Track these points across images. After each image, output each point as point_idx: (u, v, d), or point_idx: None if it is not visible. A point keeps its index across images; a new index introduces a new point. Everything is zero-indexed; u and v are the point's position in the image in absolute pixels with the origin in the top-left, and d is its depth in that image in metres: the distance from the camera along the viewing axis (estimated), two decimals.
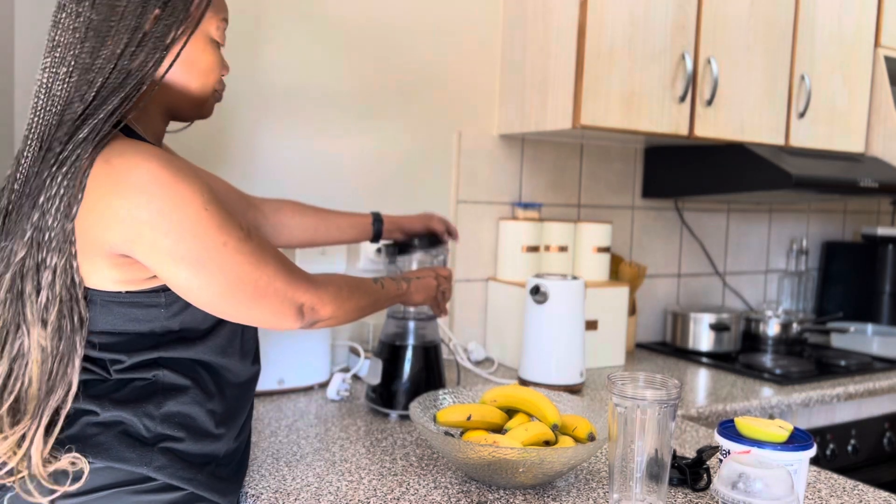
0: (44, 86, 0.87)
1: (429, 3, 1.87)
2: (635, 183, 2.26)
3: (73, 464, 0.85)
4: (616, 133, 1.81)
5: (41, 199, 0.83)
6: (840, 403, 1.88)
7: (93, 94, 0.85)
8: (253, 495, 1.04)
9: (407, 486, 1.08)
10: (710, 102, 1.87)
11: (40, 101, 0.87)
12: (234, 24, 1.58)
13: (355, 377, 1.66)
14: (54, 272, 0.83)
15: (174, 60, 0.92)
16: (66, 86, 0.86)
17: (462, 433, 1.16)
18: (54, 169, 0.83)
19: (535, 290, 1.63)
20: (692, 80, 1.84)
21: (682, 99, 1.82)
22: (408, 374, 1.41)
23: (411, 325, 1.44)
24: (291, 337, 1.52)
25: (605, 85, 1.72)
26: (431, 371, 1.44)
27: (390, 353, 1.43)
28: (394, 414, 1.41)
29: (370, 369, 1.45)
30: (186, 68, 0.95)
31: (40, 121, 0.86)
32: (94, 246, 0.84)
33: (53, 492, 0.85)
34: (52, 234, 0.83)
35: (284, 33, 1.69)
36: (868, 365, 2.06)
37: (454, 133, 1.93)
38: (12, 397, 0.84)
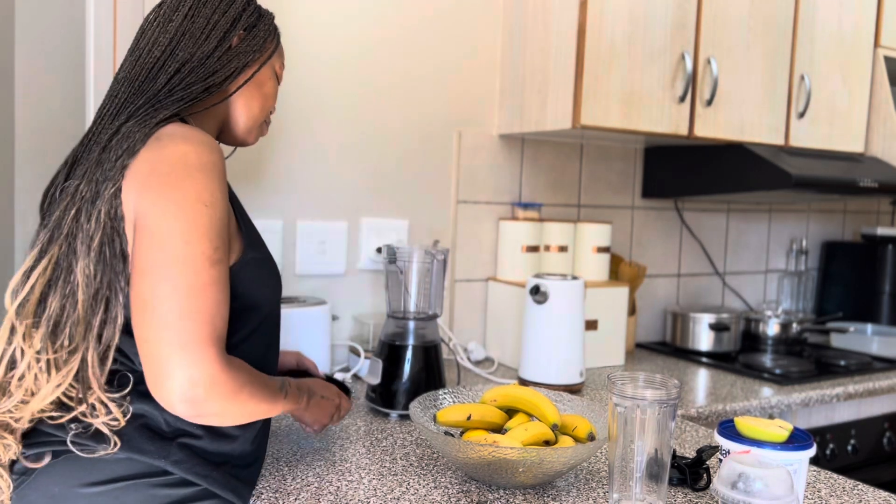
0: (124, 69, 0.99)
1: (429, 3, 1.87)
2: (635, 183, 2.26)
3: (111, 423, 0.88)
4: (616, 133, 1.81)
5: (111, 141, 0.91)
6: (840, 403, 1.88)
7: (168, 83, 0.96)
8: (253, 495, 1.04)
9: (407, 486, 1.08)
10: (709, 102, 1.87)
11: (121, 79, 0.98)
12: None
13: (355, 377, 1.66)
14: (103, 200, 0.88)
15: (248, 80, 1.04)
16: (146, 70, 0.97)
17: (462, 433, 1.17)
18: (124, 120, 0.93)
19: (535, 290, 1.63)
20: (692, 79, 1.84)
21: (682, 99, 1.82)
22: (408, 374, 1.41)
23: (411, 325, 1.44)
24: (291, 337, 1.52)
25: (604, 85, 1.72)
26: (431, 371, 1.44)
27: (390, 353, 1.43)
28: (394, 414, 1.41)
29: (370, 369, 1.45)
30: (252, 91, 1.06)
31: (120, 91, 0.97)
32: (128, 211, 0.89)
33: (101, 442, 0.88)
34: (109, 166, 0.89)
35: (283, 32, 1.69)
36: (868, 365, 2.06)
37: (454, 133, 1.93)
38: (66, 333, 0.88)
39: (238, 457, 0.98)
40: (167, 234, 0.85)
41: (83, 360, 0.87)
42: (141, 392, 0.91)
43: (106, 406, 0.88)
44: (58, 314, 0.88)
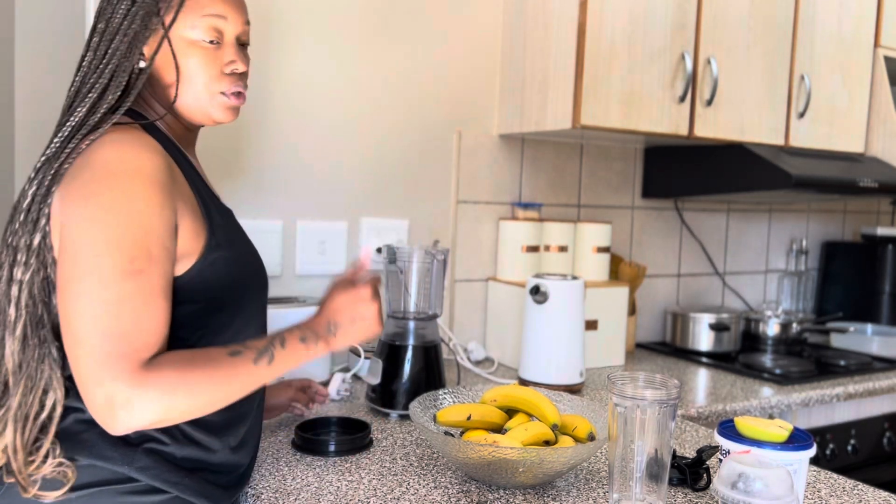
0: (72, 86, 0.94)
1: (429, 4, 1.87)
2: (635, 183, 2.26)
3: (58, 468, 0.86)
4: (616, 133, 1.81)
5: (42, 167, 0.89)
6: (840, 403, 1.88)
7: (84, 87, 0.91)
8: (253, 495, 1.04)
9: (407, 486, 1.08)
10: (709, 102, 1.87)
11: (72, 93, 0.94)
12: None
13: (355, 377, 1.66)
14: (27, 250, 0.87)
15: (151, 59, 0.93)
16: (73, 85, 0.94)
17: (462, 433, 1.16)
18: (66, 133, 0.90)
19: (535, 290, 1.63)
20: (692, 80, 1.84)
21: (682, 99, 1.82)
22: (408, 374, 1.41)
23: (411, 325, 1.44)
24: None
25: (604, 85, 1.72)
26: (431, 371, 1.44)
27: (390, 353, 1.43)
28: (394, 414, 1.41)
29: (370, 369, 1.45)
30: (168, 72, 0.95)
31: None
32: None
33: (52, 489, 0.86)
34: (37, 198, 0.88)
35: (284, 33, 1.69)
36: (868, 365, 2.06)
37: (454, 133, 1.93)
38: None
39: (218, 465, 0.95)
40: (80, 246, 0.82)
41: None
42: None
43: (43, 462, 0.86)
44: None
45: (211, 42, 0.96)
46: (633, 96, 1.76)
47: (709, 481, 1.12)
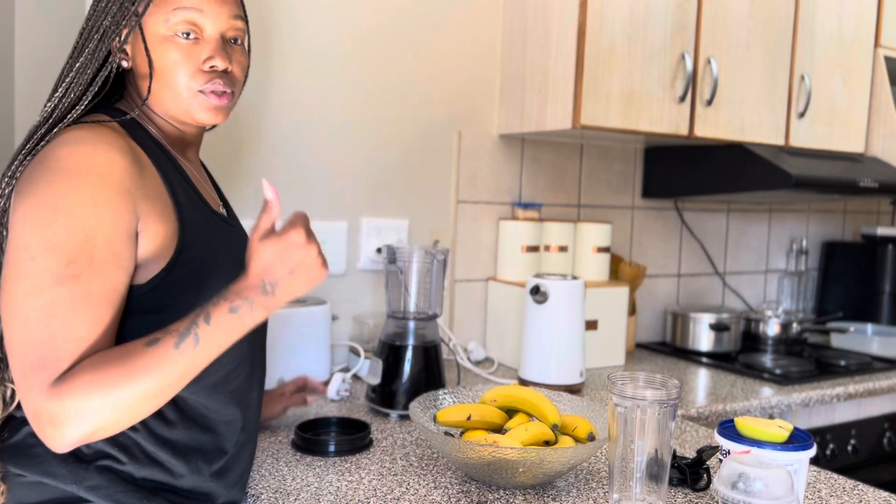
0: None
1: (429, 3, 1.87)
2: (635, 183, 2.26)
3: None
4: (616, 133, 1.81)
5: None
6: (840, 403, 1.88)
7: (59, 85, 0.90)
8: (253, 495, 1.04)
9: (407, 486, 1.08)
10: (709, 102, 1.87)
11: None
12: None
13: (355, 377, 1.66)
14: None
15: (114, 57, 0.90)
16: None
17: (462, 433, 1.16)
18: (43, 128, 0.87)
19: (535, 290, 1.63)
20: (692, 80, 1.84)
21: (682, 99, 1.82)
22: (408, 374, 1.41)
23: (411, 325, 1.44)
24: (291, 336, 1.52)
25: (604, 85, 1.72)
26: (431, 371, 1.44)
27: (390, 353, 1.43)
28: (394, 414, 1.41)
29: (370, 369, 1.45)
30: (142, 69, 0.91)
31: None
32: None
33: None
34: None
35: (284, 32, 1.69)
36: (868, 365, 2.06)
37: (454, 133, 1.93)
38: None
39: (187, 490, 0.89)
40: (17, 247, 0.77)
41: None
42: None
43: None
44: None
45: (187, 36, 0.90)
46: (633, 96, 1.76)
47: (709, 481, 1.12)
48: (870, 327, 2.41)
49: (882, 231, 2.55)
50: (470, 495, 1.06)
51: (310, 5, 1.71)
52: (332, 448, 1.19)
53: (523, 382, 1.65)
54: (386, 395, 1.41)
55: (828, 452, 1.85)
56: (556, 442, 1.12)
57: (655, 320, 2.34)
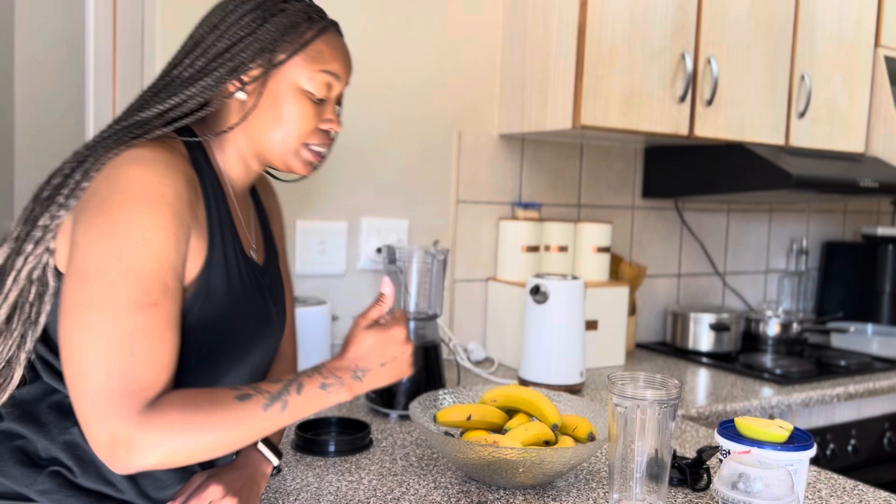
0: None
1: (429, 3, 1.87)
2: (635, 183, 2.26)
3: None
4: (616, 133, 1.81)
5: (73, 167, 0.86)
6: (840, 403, 1.88)
7: (162, 93, 0.89)
8: None
9: (407, 486, 1.08)
10: (710, 102, 1.87)
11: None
12: None
13: None
14: (33, 247, 0.84)
15: (240, 90, 0.90)
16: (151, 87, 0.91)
17: (462, 433, 1.16)
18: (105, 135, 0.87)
19: (535, 290, 1.63)
20: (692, 79, 1.84)
21: (682, 99, 1.82)
22: None
23: (411, 325, 1.44)
24: None
25: (605, 85, 1.72)
26: (431, 371, 1.44)
27: None
28: (394, 414, 1.41)
29: None
30: (263, 110, 0.91)
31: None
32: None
33: None
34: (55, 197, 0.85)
35: None
36: (868, 365, 2.06)
37: (454, 133, 1.93)
38: None
39: (131, 503, 0.88)
40: (92, 273, 0.77)
41: None
42: (27, 412, 0.86)
43: None
44: None
45: (318, 100, 0.94)
46: (634, 96, 1.76)
47: (709, 481, 1.12)
48: (870, 327, 2.41)
49: (882, 231, 2.55)
50: (470, 495, 1.06)
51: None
52: (331, 448, 1.19)
53: (523, 382, 1.65)
54: (386, 395, 1.41)
55: (828, 452, 1.85)
56: (556, 442, 1.12)
57: (655, 320, 2.34)
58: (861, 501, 1.09)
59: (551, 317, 1.63)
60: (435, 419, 1.17)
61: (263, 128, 0.92)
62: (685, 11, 1.82)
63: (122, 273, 0.77)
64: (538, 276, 1.67)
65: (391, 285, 0.95)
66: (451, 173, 1.94)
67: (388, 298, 0.94)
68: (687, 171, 2.13)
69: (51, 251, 0.83)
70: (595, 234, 1.98)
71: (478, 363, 1.90)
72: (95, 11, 1.89)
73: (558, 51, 1.76)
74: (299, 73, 0.91)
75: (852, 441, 1.90)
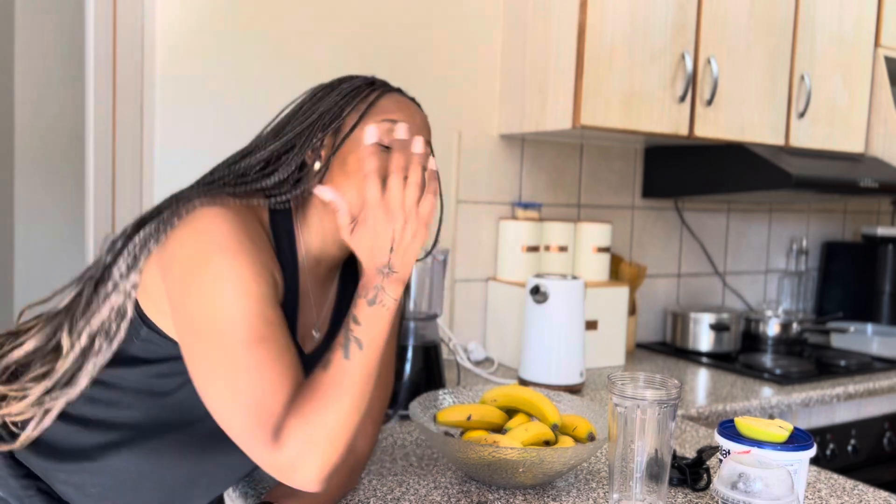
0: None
1: (429, 3, 1.87)
2: (635, 183, 2.26)
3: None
4: (616, 133, 1.81)
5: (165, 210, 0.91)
6: (840, 403, 1.88)
7: (255, 162, 0.94)
8: (253, 495, 1.04)
9: (407, 486, 1.08)
10: (710, 102, 1.87)
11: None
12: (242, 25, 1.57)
13: None
14: (120, 282, 0.89)
15: (317, 160, 0.93)
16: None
17: (462, 433, 1.16)
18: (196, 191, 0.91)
19: (535, 290, 1.63)
20: (692, 80, 1.84)
21: (682, 99, 1.82)
22: (408, 374, 1.41)
23: (411, 325, 1.44)
24: None
25: (605, 85, 1.72)
26: (431, 371, 1.44)
27: None
28: (394, 414, 1.41)
29: None
30: (334, 172, 0.93)
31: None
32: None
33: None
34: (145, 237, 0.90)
35: (283, 31, 1.69)
36: (868, 365, 2.06)
37: (454, 133, 1.93)
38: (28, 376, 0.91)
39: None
40: (198, 328, 0.82)
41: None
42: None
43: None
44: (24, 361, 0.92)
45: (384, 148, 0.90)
46: (634, 96, 1.76)
47: (709, 481, 1.12)
48: (870, 327, 2.41)
49: (882, 231, 2.55)
50: (470, 495, 1.06)
51: (310, 5, 1.71)
52: None
53: (523, 382, 1.65)
54: None
55: (828, 452, 1.85)
56: (556, 442, 1.12)
57: (655, 320, 2.34)
58: (861, 501, 1.09)
59: (551, 317, 1.63)
60: (435, 419, 1.17)
61: (335, 188, 0.91)
62: (685, 11, 1.82)
63: (224, 321, 0.81)
64: (538, 276, 1.67)
65: (328, 188, 0.89)
66: (451, 173, 1.94)
67: (338, 201, 0.87)
68: (687, 171, 2.13)
69: (135, 285, 0.88)
70: (595, 234, 1.98)
71: (478, 363, 1.90)
72: (95, 12, 1.89)
73: (558, 51, 1.76)
74: (363, 130, 0.91)
75: (852, 441, 1.90)
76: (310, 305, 0.99)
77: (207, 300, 0.82)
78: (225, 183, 0.91)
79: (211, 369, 0.82)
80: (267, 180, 0.92)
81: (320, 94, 0.96)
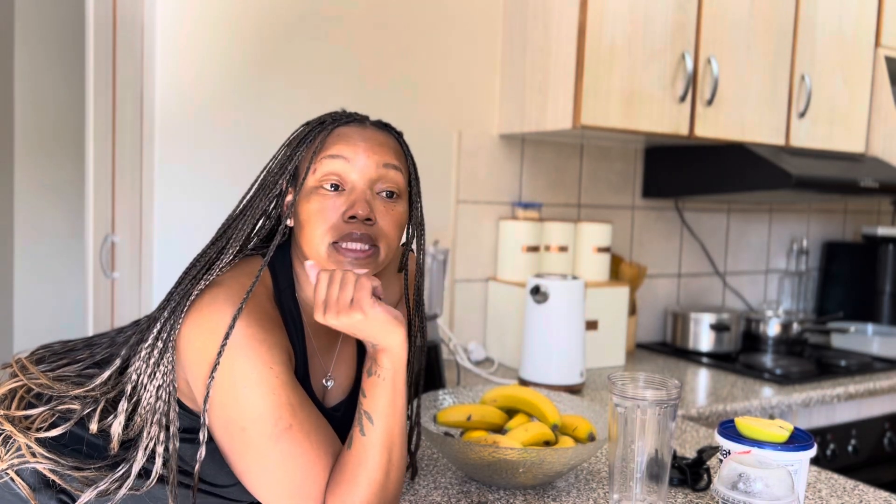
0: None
1: (429, 3, 1.87)
2: (635, 183, 2.26)
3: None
4: (616, 133, 1.81)
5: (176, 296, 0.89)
6: (840, 403, 1.88)
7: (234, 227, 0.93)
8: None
9: (407, 486, 1.08)
10: (710, 102, 1.87)
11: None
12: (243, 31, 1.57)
13: None
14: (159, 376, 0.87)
15: (288, 216, 0.92)
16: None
17: (462, 433, 1.16)
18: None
19: (535, 290, 1.63)
20: (692, 79, 1.84)
21: (683, 99, 1.82)
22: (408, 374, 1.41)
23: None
24: None
25: (605, 85, 1.72)
26: (431, 371, 1.44)
27: None
28: None
29: None
30: (297, 226, 0.92)
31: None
32: None
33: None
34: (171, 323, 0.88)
35: (282, 31, 1.69)
36: (868, 365, 2.05)
37: (454, 133, 1.93)
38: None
39: None
40: (227, 426, 0.83)
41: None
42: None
43: None
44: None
45: (335, 189, 0.88)
46: (634, 96, 1.76)
47: (709, 481, 1.12)
48: (870, 327, 2.41)
49: (882, 231, 2.55)
50: (470, 495, 1.05)
51: (310, 5, 1.71)
52: None
53: (523, 383, 1.65)
54: None
55: (828, 452, 1.85)
56: (556, 442, 1.12)
57: (655, 320, 2.34)
58: (861, 501, 1.09)
59: (551, 317, 1.62)
60: (435, 419, 1.17)
61: (299, 243, 0.91)
62: (685, 11, 1.82)
63: (247, 419, 0.82)
64: (538, 276, 1.67)
65: (315, 268, 0.88)
66: (451, 173, 1.94)
67: (312, 279, 0.87)
68: (687, 171, 2.13)
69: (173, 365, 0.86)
70: (595, 234, 1.98)
71: (478, 363, 1.90)
72: (95, 11, 1.88)
73: (558, 51, 1.76)
74: (309, 172, 0.89)
75: (852, 441, 1.90)
76: (318, 361, 0.98)
77: (228, 400, 0.83)
78: (210, 263, 0.89)
79: (247, 467, 0.84)
80: (240, 237, 0.91)
81: (289, 140, 0.95)
